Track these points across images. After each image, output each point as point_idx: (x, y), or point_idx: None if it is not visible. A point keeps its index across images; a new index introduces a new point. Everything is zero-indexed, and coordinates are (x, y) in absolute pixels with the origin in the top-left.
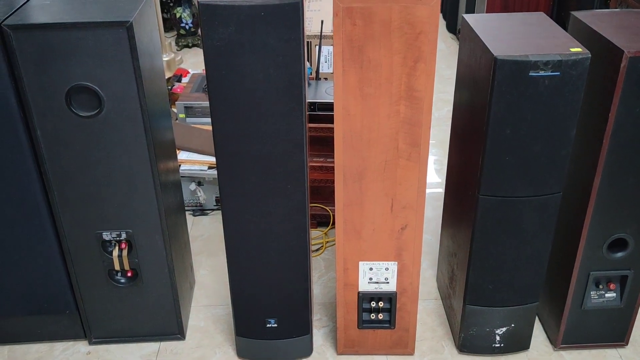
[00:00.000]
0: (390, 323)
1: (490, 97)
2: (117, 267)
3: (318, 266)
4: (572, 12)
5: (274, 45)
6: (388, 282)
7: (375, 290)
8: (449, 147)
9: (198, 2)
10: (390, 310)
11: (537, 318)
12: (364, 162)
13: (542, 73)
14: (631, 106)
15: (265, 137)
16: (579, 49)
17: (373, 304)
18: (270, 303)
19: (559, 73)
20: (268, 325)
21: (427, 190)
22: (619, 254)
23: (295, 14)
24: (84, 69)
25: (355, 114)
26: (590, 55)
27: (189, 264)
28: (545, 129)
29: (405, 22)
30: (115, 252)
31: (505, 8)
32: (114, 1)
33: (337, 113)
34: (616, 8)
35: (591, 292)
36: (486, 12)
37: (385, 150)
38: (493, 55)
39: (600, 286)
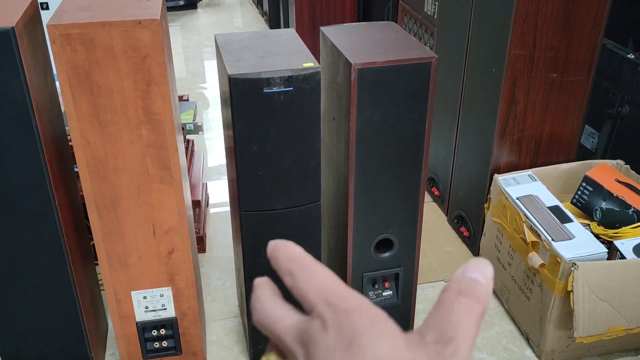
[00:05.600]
0: (176, 349)
1: (232, 116)
2: None
3: None
4: (321, 28)
5: None
6: (166, 309)
7: (154, 318)
8: (226, 164)
9: None
10: (174, 337)
11: None
12: (115, 189)
13: (275, 89)
14: (368, 114)
15: (2, 174)
16: (311, 64)
17: (154, 332)
18: (42, 345)
19: (292, 88)
20: None
21: None
22: (387, 254)
23: (6, 43)
24: None
25: (95, 142)
26: (320, 69)
27: None
28: (290, 142)
29: (128, 47)
30: None
31: (313, 20)
32: None
33: (75, 142)
34: (403, 18)
35: (369, 292)
36: (295, 23)
37: (136, 176)
38: (228, 73)
39: (376, 286)
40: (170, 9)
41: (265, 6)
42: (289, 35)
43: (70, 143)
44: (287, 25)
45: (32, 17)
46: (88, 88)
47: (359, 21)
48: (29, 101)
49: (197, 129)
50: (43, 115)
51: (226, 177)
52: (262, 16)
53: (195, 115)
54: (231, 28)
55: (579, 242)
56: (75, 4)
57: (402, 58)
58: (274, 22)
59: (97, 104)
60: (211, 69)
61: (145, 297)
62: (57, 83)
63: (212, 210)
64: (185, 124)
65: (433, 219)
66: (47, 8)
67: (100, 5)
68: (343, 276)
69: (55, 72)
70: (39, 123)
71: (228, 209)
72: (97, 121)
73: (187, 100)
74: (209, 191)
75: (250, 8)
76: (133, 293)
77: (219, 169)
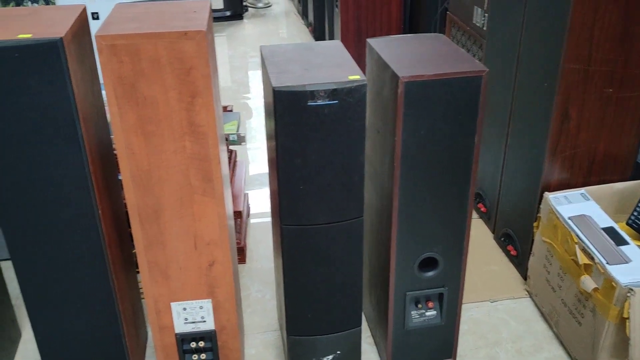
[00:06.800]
0: None
1: (275, 128)
2: None
3: None
4: (368, 40)
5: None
6: (205, 321)
7: (193, 330)
8: (268, 176)
9: None
10: (213, 349)
11: (373, 341)
12: (158, 200)
13: (319, 102)
14: (415, 129)
15: (45, 182)
16: (357, 77)
17: (193, 344)
18: (82, 354)
19: (336, 101)
20: None
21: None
22: (431, 273)
23: (54, 54)
24: None
25: (140, 153)
26: (365, 82)
27: (9, 318)
28: (334, 156)
29: (173, 58)
30: None
31: (359, 31)
32: None
33: (120, 152)
34: (450, 29)
35: (411, 312)
36: (340, 36)
37: (179, 187)
38: (272, 86)
39: (420, 305)
40: (216, 19)
41: (311, 17)
42: (334, 47)
43: (114, 152)
44: (332, 37)
45: (82, 27)
46: (134, 99)
47: (404, 33)
48: (75, 111)
49: (240, 139)
50: (89, 125)
51: (267, 186)
52: (307, 27)
53: (238, 126)
54: (276, 39)
55: (635, 266)
56: (124, 15)
57: (451, 71)
58: (318, 33)
59: (142, 115)
60: (255, 79)
61: (184, 309)
62: (103, 92)
63: (252, 221)
64: (228, 135)
65: (478, 236)
66: (98, 18)
67: (148, 16)
68: (385, 295)
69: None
70: (85, 133)
71: (268, 219)
72: (141, 132)
73: (231, 111)
74: (250, 201)
75: (296, 19)
76: (173, 304)
77: (260, 179)
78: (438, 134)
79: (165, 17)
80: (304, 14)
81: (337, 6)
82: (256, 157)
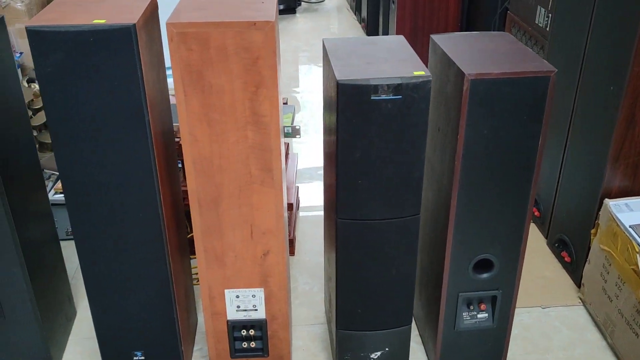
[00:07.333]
0: (263, 351)
1: (337, 121)
2: None
3: None
4: (431, 35)
5: (107, 72)
6: (257, 310)
7: (244, 318)
8: (323, 169)
9: (26, 27)
10: (262, 338)
11: (421, 340)
12: (218, 188)
13: (383, 96)
14: (478, 128)
15: (111, 165)
16: (422, 72)
17: (244, 332)
18: (136, 335)
19: (400, 96)
20: (135, 359)
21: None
22: (485, 275)
23: (127, 39)
24: None
25: (202, 140)
26: (430, 78)
27: (66, 295)
28: (395, 152)
29: (241, 48)
30: None
31: (415, 28)
32: None
33: (184, 139)
34: (510, 29)
35: (463, 313)
36: (396, 32)
37: (238, 176)
38: (336, 79)
39: (472, 307)
40: None
41: (364, 13)
42: (397, 42)
43: (176, 139)
44: (386, 33)
45: (152, 14)
46: (200, 87)
47: (461, 31)
48: (143, 96)
49: (295, 132)
50: (155, 111)
51: (314, 181)
52: (360, 23)
53: (293, 119)
54: (327, 34)
55: None
56: (193, 3)
57: (518, 70)
58: (372, 29)
59: (207, 103)
60: (305, 73)
61: (237, 297)
62: (168, 80)
63: (301, 214)
64: (284, 127)
65: (531, 241)
66: None
67: (217, 5)
68: (436, 294)
69: (166, 68)
70: (151, 118)
71: (317, 213)
72: (205, 120)
73: (286, 103)
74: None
75: (348, 14)
76: (226, 291)
77: (308, 173)
78: (501, 134)
79: (233, 7)
80: (356, 10)
81: (393, 2)
82: (303, 151)
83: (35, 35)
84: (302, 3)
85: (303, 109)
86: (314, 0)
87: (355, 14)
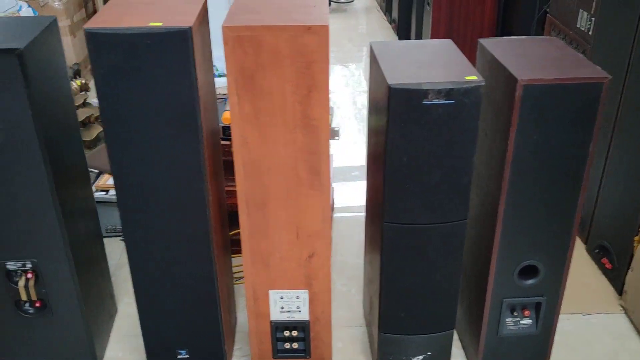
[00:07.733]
0: (305, 352)
1: (386, 125)
2: (23, 297)
3: (243, 294)
4: (479, 40)
5: (161, 74)
6: (300, 311)
7: (287, 319)
8: (366, 172)
9: (85, 29)
10: (305, 340)
11: (460, 345)
12: (266, 190)
13: (435, 101)
14: (528, 134)
15: (163, 164)
16: (474, 77)
17: (287, 333)
18: (180, 333)
19: (452, 101)
20: (179, 357)
21: (361, 214)
22: (530, 281)
23: (183, 42)
24: None
25: (253, 142)
26: (483, 83)
27: (108, 293)
28: (444, 156)
29: (295, 51)
30: (22, 282)
31: (450, 31)
32: (14, 27)
33: (235, 141)
34: (550, 33)
35: (506, 319)
36: (431, 36)
37: (286, 179)
38: (387, 83)
39: (515, 313)
40: None
41: (395, 13)
42: (446, 46)
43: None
44: (418, 35)
45: (204, 16)
46: (251, 89)
47: (497, 35)
48: (197, 98)
49: (334, 134)
50: (206, 112)
51: (349, 181)
52: (390, 24)
53: (331, 121)
54: (355, 34)
55: None
56: (247, 6)
57: (572, 76)
58: (403, 30)
59: (258, 106)
60: (335, 74)
61: (282, 298)
62: (214, 80)
63: (335, 215)
64: None
65: None
66: None
67: (270, 9)
68: (479, 299)
69: (214, 71)
70: (203, 120)
71: (351, 214)
72: (256, 122)
73: None
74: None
75: (378, 15)
76: (271, 292)
77: (341, 173)
78: (551, 140)
79: (286, 10)
80: (386, 10)
81: (429, 4)
82: (335, 151)
83: (93, 37)
84: (332, 3)
85: (335, 110)
86: (343, 1)
87: (385, 15)
